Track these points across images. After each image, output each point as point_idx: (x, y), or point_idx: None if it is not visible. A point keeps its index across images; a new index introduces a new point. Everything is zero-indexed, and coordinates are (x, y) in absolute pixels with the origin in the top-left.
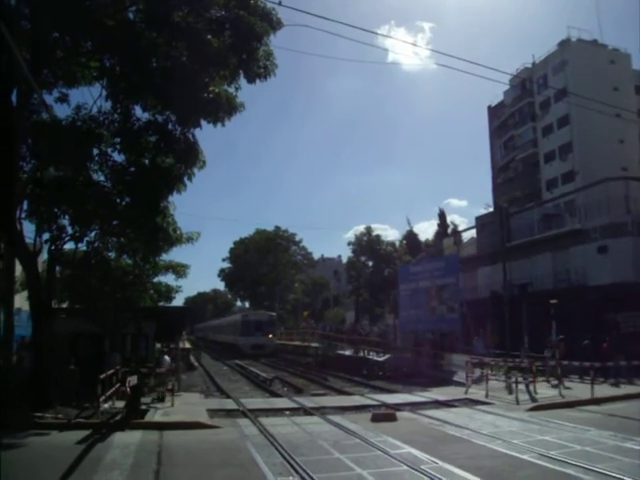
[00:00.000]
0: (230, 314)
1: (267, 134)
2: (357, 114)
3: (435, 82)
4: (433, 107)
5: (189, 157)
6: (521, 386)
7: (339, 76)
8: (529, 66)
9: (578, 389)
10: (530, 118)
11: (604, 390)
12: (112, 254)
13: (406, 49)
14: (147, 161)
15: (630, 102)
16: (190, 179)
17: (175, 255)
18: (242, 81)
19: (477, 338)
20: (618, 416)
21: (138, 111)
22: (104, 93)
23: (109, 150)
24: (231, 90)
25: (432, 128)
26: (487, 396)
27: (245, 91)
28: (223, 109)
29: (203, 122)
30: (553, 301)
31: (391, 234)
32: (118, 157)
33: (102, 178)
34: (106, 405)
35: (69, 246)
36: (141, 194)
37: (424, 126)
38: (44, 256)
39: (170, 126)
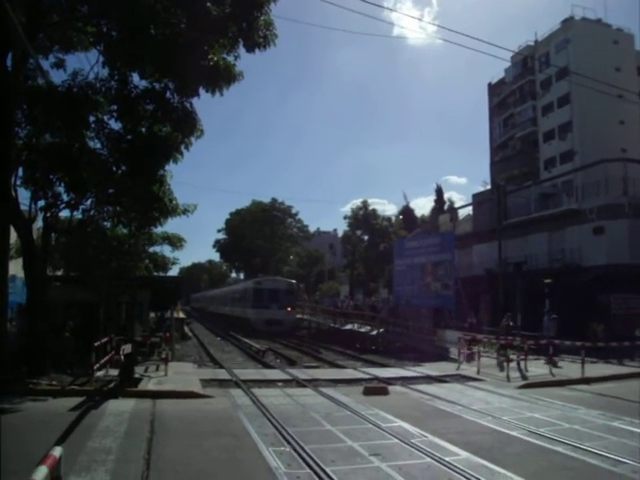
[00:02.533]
0: (228, 284)
1: (271, 108)
2: (361, 89)
3: (439, 57)
4: (436, 83)
5: (186, 126)
6: (513, 364)
7: (344, 50)
8: (531, 44)
9: (569, 368)
10: (530, 96)
11: (595, 370)
12: (108, 223)
13: (411, 23)
14: (144, 129)
15: (632, 83)
16: (187, 148)
17: (172, 225)
18: (241, 50)
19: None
20: (607, 395)
21: (135, 78)
22: (101, 59)
23: (105, 117)
24: (230, 59)
25: (434, 104)
26: (479, 373)
27: (250, 64)
28: (222, 78)
29: (202, 91)
30: (547, 280)
31: (390, 209)
32: (115, 125)
33: (98, 146)
34: (100, 373)
35: (64, 214)
36: (138, 162)
37: (426, 102)
38: (39, 223)
39: (168, 94)
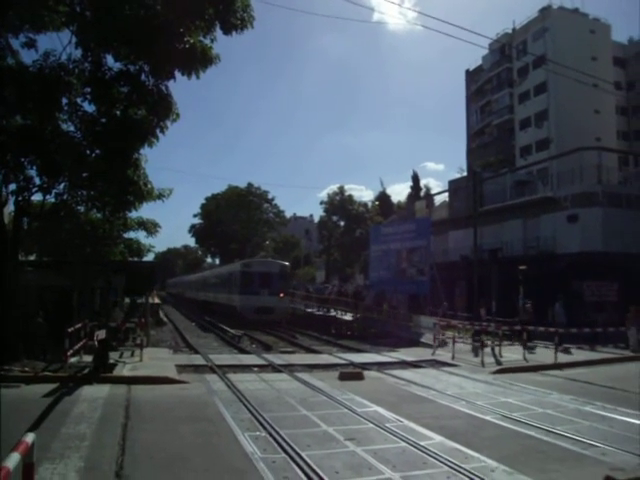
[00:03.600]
0: (203, 269)
1: (253, 94)
2: (341, 75)
3: (419, 44)
4: (416, 69)
5: (162, 109)
6: (487, 349)
7: (326, 36)
8: (509, 32)
9: (543, 354)
10: (507, 84)
11: (567, 355)
12: (81, 207)
13: (391, 9)
14: (118, 112)
15: (608, 73)
16: (163, 132)
17: (147, 209)
18: (219, 33)
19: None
20: (579, 381)
21: (110, 60)
22: (74, 40)
23: (79, 100)
24: (207, 42)
25: (414, 91)
26: (453, 358)
27: (233, 49)
28: (198, 61)
29: (183, 77)
30: (522, 267)
31: (367, 195)
32: (88, 107)
33: (72, 128)
34: (74, 359)
35: (37, 198)
36: (112, 146)
37: (406, 88)
38: (10, 207)
39: (143, 77)
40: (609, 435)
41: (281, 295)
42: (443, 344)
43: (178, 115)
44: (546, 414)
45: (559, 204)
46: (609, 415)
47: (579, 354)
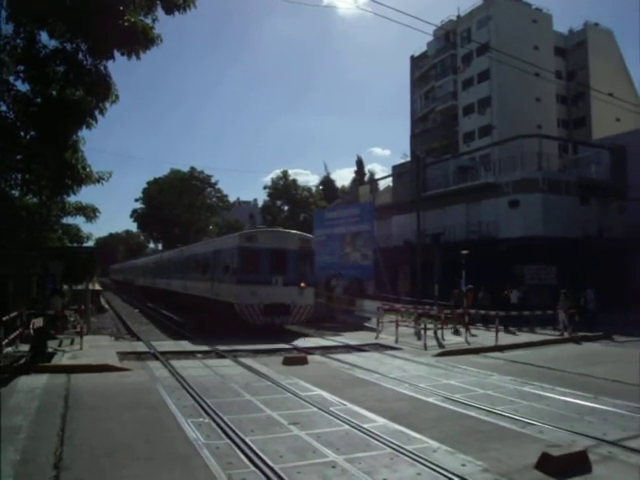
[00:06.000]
0: (146, 255)
1: (193, 74)
2: (291, 59)
3: (368, 29)
4: (365, 54)
5: (100, 90)
6: (430, 332)
7: (276, 19)
8: (454, 19)
9: (484, 336)
10: (451, 70)
11: (508, 338)
12: (16, 192)
13: None
14: (54, 92)
15: (549, 62)
16: (102, 113)
17: (86, 194)
18: (160, 13)
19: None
20: (519, 362)
21: (44, 37)
22: (5, 15)
23: (12, 78)
24: (148, 21)
25: (363, 76)
26: (397, 341)
27: (172, 29)
28: (138, 40)
29: (117, 54)
30: (464, 252)
31: (313, 179)
32: (22, 86)
33: (4, 108)
34: (9, 349)
35: None
36: (48, 127)
37: (355, 73)
38: None
39: (80, 56)
40: (546, 414)
41: (302, 285)
42: (388, 327)
43: (117, 97)
44: (487, 395)
45: (501, 190)
46: (546, 394)
47: (521, 336)
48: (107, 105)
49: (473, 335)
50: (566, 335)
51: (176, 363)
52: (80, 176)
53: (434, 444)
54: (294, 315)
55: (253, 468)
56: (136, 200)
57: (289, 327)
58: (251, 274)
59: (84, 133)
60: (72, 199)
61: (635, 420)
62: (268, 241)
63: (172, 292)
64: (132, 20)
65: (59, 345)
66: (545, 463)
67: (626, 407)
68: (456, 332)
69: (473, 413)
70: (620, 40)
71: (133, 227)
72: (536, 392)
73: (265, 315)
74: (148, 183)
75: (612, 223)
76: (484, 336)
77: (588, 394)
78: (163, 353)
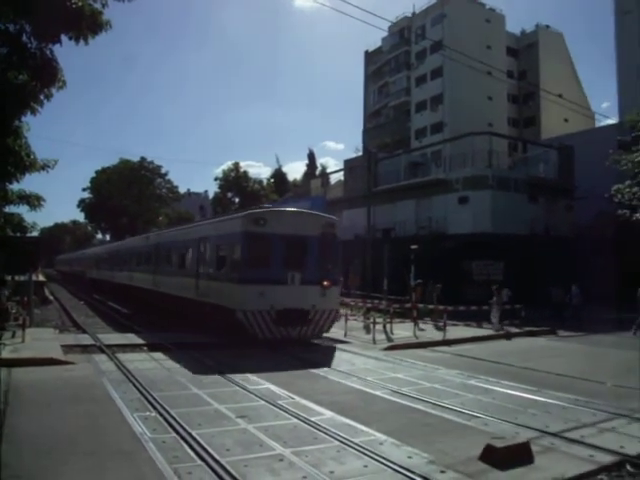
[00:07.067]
0: (93, 246)
1: (149, 65)
2: (241, 48)
3: (325, 23)
4: (321, 48)
5: (46, 75)
6: (379, 326)
7: (229, 9)
8: (409, 15)
9: (432, 331)
10: (405, 67)
11: (456, 332)
12: None
13: None
14: None
15: (501, 62)
16: (48, 99)
17: (30, 182)
18: None
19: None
20: (465, 356)
21: None
22: None
23: None
24: (97, 6)
25: (317, 69)
26: (346, 335)
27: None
28: (87, 25)
29: (65, 39)
30: (414, 246)
31: (265, 172)
32: None
33: None
34: None
35: None
36: None
37: (310, 66)
38: None
39: (25, 38)
40: (491, 406)
41: (325, 284)
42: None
43: (64, 82)
44: (433, 388)
45: (451, 186)
46: (492, 388)
47: (466, 330)
48: (53, 91)
49: (421, 329)
50: (496, 331)
51: (122, 356)
52: (24, 163)
53: (381, 437)
54: (315, 324)
55: (200, 462)
56: (84, 189)
57: None
58: (259, 270)
59: (29, 119)
60: (15, 187)
61: (576, 412)
62: (282, 225)
63: (137, 288)
64: (80, 4)
65: None
66: (489, 454)
67: (568, 400)
68: (437, 328)
69: (420, 406)
70: (570, 43)
71: (80, 217)
72: (482, 385)
73: (277, 324)
74: (96, 172)
75: (559, 221)
76: (432, 330)
77: (532, 387)
78: (109, 346)
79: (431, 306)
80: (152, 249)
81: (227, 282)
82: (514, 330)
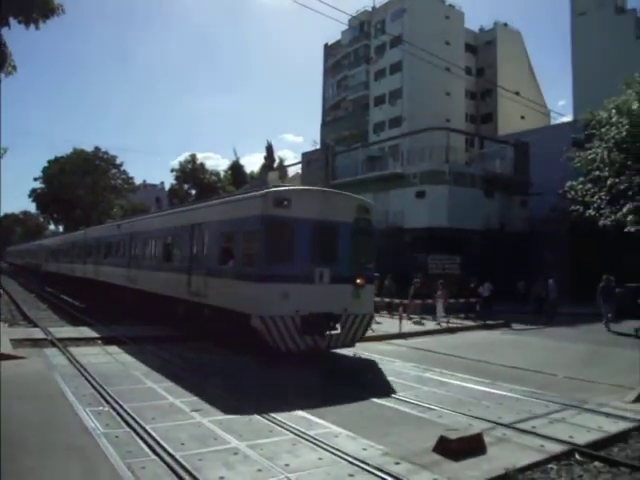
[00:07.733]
0: (44, 237)
1: (107, 52)
2: (199, 37)
3: (284, 14)
4: (280, 40)
5: None
6: None
7: None
8: (369, 9)
9: (389, 324)
10: (365, 60)
11: (412, 325)
12: None
13: None
14: None
15: (459, 58)
16: None
17: None
18: None
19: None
20: (421, 349)
21: None
22: None
23: None
24: None
25: (278, 61)
26: None
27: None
28: (37, 8)
29: (14, 22)
30: None
31: (223, 164)
32: None
33: None
34: None
35: None
36: None
37: (269, 58)
38: None
39: None
40: (445, 399)
41: (359, 282)
42: None
43: (15, 67)
44: (389, 381)
45: (408, 180)
46: (447, 380)
47: (426, 324)
48: (2, 76)
49: (377, 322)
50: (442, 325)
51: (75, 350)
52: None
53: (336, 429)
54: (347, 331)
55: (154, 456)
56: (35, 179)
57: None
58: (281, 265)
59: None
60: None
61: (528, 404)
62: (308, 208)
63: (105, 284)
64: None
65: None
66: (443, 446)
67: (521, 392)
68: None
69: (375, 399)
70: (528, 42)
71: (32, 207)
72: (437, 378)
73: (303, 333)
74: (49, 162)
75: (514, 217)
76: (389, 324)
77: (486, 380)
78: (61, 339)
79: (407, 300)
80: (126, 239)
81: (237, 279)
82: (470, 323)
